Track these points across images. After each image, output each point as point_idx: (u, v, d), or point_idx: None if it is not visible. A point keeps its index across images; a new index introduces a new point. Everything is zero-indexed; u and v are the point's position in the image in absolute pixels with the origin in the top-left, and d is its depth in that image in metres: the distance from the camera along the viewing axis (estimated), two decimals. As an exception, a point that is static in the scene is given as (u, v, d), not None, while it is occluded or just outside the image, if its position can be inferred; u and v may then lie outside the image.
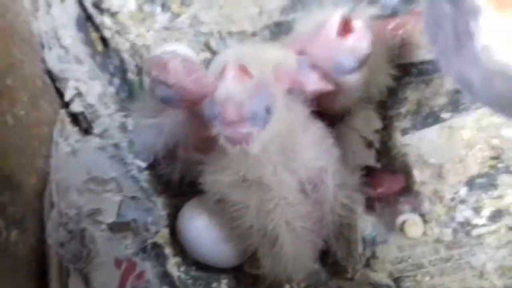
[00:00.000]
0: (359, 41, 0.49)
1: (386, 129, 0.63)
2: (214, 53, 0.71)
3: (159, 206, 0.60)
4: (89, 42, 0.62)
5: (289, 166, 0.51)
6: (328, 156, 0.54)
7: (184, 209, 0.60)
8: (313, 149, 0.52)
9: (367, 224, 0.61)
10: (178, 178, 0.60)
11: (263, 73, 0.49)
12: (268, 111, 0.46)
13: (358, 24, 0.49)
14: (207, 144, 0.54)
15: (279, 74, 0.52)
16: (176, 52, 0.53)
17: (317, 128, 0.54)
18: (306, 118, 0.53)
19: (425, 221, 0.61)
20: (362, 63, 0.51)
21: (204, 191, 0.55)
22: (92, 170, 0.47)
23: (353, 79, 0.55)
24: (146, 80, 0.66)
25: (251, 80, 0.46)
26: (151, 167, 0.62)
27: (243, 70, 0.46)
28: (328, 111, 0.58)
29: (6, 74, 0.42)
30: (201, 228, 0.58)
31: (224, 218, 0.55)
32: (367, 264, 0.60)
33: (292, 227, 0.52)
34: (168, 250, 0.59)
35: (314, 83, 0.52)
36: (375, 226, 0.61)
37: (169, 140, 0.56)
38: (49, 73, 0.49)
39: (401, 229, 0.61)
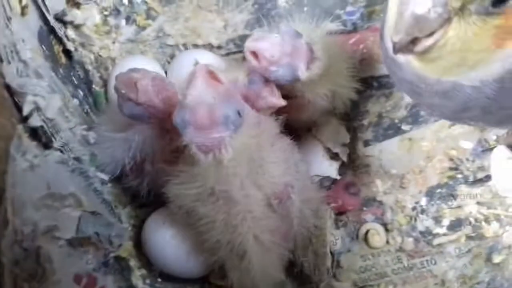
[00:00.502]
0: None
1: (350, 141, 0.64)
2: (179, 65, 0.71)
3: (123, 219, 0.59)
4: (51, 55, 0.61)
5: (256, 180, 0.51)
6: (294, 172, 0.54)
7: (149, 220, 0.59)
8: (279, 165, 0.52)
9: (336, 239, 0.61)
10: (145, 191, 0.59)
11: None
12: (239, 114, 0.45)
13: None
14: (174, 157, 0.53)
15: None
16: (145, 69, 0.53)
17: (285, 144, 0.54)
18: (273, 134, 0.53)
19: (387, 230, 0.62)
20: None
21: (169, 202, 0.55)
22: (52, 184, 0.46)
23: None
24: (112, 93, 0.65)
25: (221, 85, 0.46)
26: (117, 179, 0.61)
27: (213, 75, 0.46)
28: (295, 123, 0.59)
29: (-40, 89, 0.41)
30: (166, 239, 0.56)
31: (191, 230, 0.54)
32: (333, 274, 0.60)
33: (260, 240, 0.51)
34: (132, 263, 0.58)
35: (264, 99, 0.51)
36: (344, 239, 0.61)
37: (137, 153, 0.56)
38: (8, 87, 0.48)
39: (365, 238, 0.62)
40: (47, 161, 0.48)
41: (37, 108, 0.47)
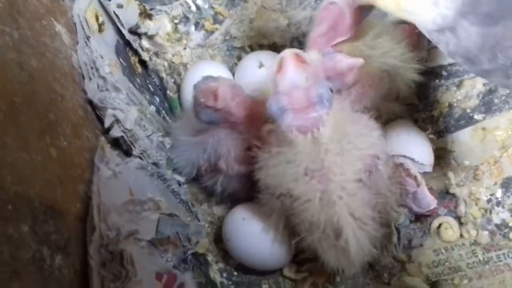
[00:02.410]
0: None
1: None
2: (247, 66, 0.72)
3: (200, 216, 0.62)
4: (128, 67, 0.64)
5: (347, 156, 0.50)
6: (379, 144, 0.53)
7: (229, 217, 0.60)
8: (366, 138, 0.52)
9: (399, 214, 0.60)
10: (220, 190, 0.62)
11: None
12: (331, 90, 0.47)
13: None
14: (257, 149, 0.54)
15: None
16: (221, 77, 0.56)
17: (365, 120, 0.54)
18: (353, 112, 0.53)
19: (461, 224, 0.59)
20: None
21: (255, 197, 0.55)
22: (133, 189, 0.50)
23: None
24: (185, 98, 0.68)
25: (309, 66, 0.47)
26: (193, 180, 0.64)
27: (300, 58, 0.47)
28: None
29: (48, 110, 0.44)
30: (249, 233, 0.57)
31: (278, 219, 0.54)
32: (403, 269, 0.59)
33: (355, 216, 0.51)
34: (210, 258, 0.60)
35: (342, 61, 0.52)
36: (407, 217, 0.60)
37: (212, 156, 0.58)
38: (90, 102, 0.52)
39: (437, 232, 0.60)
40: (128, 167, 0.51)
41: (117, 120, 0.51)
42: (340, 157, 0.49)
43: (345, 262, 0.53)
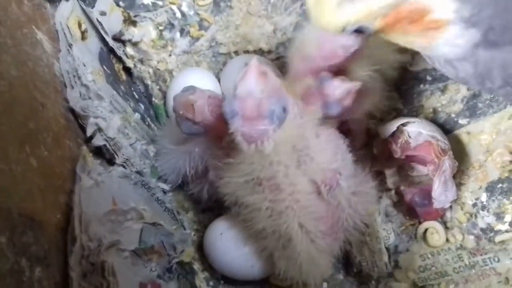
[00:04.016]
0: None
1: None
2: (232, 72, 0.72)
3: (186, 224, 0.61)
4: (112, 74, 0.64)
5: (302, 168, 0.52)
6: (341, 160, 0.54)
7: (211, 226, 0.61)
8: (327, 153, 0.53)
9: (389, 233, 0.60)
10: (206, 197, 0.61)
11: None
12: (284, 110, 0.48)
13: None
14: (223, 154, 0.54)
15: (307, 95, 0.54)
16: (200, 89, 0.56)
17: (330, 134, 0.55)
18: (317, 125, 0.54)
19: (446, 228, 0.59)
20: None
21: (228, 208, 0.57)
22: (116, 198, 0.49)
23: None
24: (170, 105, 0.68)
25: (270, 81, 0.48)
26: (179, 187, 0.64)
27: (264, 72, 0.48)
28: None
29: (29, 119, 0.44)
30: (228, 244, 0.58)
31: (249, 230, 0.55)
32: (390, 274, 0.59)
33: (305, 229, 0.52)
34: (196, 266, 0.60)
35: (339, 87, 0.53)
36: (397, 235, 0.60)
37: (198, 163, 0.58)
38: (72, 111, 0.51)
39: (423, 237, 0.60)
40: (111, 176, 0.50)
41: (99, 129, 0.50)
42: (293, 169, 0.50)
43: (297, 273, 0.54)
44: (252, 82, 0.46)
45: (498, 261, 0.57)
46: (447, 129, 0.62)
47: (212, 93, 0.56)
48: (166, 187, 0.59)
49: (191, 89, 0.54)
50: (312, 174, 0.52)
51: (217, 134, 0.55)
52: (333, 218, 0.55)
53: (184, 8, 0.71)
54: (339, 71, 0.55)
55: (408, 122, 0.59)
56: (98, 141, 0.51)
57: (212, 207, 0.65)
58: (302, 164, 0.52)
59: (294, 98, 0.52)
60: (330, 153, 0.53)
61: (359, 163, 0.58)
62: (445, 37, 0.40)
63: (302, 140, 0.52)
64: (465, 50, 0.41)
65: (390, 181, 0.62)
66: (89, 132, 0.50)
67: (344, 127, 0.60)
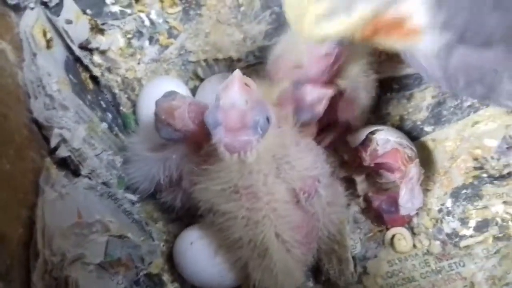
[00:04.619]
0: None
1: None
2: (201, 80, 0.72)
3: (155, 235, 0.61)
4: (79, 83, 0.63)
5: (282, 176, 0.52)
6: (320, 168, 0.54)
7: (181, 236, 0.60)
8: (306, 160, 0.53)
9: (356, 242, 0.61)
10: (179, 205, 0.61)
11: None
12: (268, 120, 0.48)
13: None
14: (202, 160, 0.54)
15: (282, 99, 0.54)
16: (183, 95, 0.55)
17: (309, 143, 0.55)
18: (296, 134, 0.54)
19: (413, 234, 0.61)
20: None
21: (200, 217, 0.57)
22: (82, 210, 0.48)
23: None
24: (142, 114, 0.67)
25: (253, 92, 0.48)
26: (149, 196, 0.63)
27: (246, 83, 0.48)
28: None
29: (-11, 131, 0.43)
30: (198, 253, 0.58)
31: (221, 240, 0.55)
32: (359, 281, 0.60)
33: (282, 238, 0.52)
34: (165, 277, 0.60)
35: (312, 92, 0.53)
36: (364, 244, 0.61)
37: (174, 171, 0.58)
38: (36, 121, 0.50)
39: (391, 243, 0.61)
40: (77, 188, 0.50)
41: (64, 140, 0.49)
42: (272, 177, 0.50)
43: (273, 284, 0.54)
44: (236, 93, 0.47)
45: (464, 265, 0.58)
46: (413, 136, 0.63)
47: (193, 100, 0.56)
48: (134, 197, 0.59)
49: (172, 94, 0.54)
50: (291, 181, 0.52)
51: (196, 141, 0.54)
52: (308, 227, 0.55)
53: (153, 16, 0.71)
54: (331, 80, 0.55)
55: (376, 130, 0.60)
56: (62, 152, 0.50)
57: (182, 217, 0.64)
58: (281, 172, 0.52)
59: (272, 106, 0.53)
60: (310, 160, 0.53)
61: (332, 172, 0.59)
62: (422, 42, 0.41)
63: (282, 149, 0.52)
64: (439, 53, 0.42)
65: (360, 188, 0.63)
66: (53, 143, 0.49)
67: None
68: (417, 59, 0.45)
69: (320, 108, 0.54)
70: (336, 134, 0.63)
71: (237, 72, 0.48)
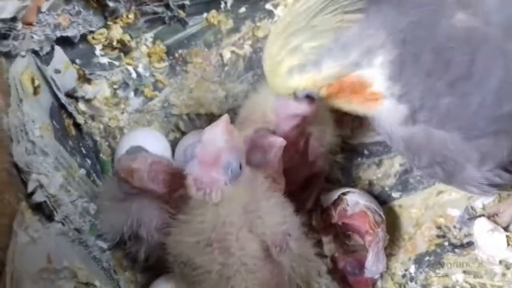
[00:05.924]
0: None
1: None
2: (182, 133, 0.75)
3: (122, 284, 0.61)
4: (61, 129, 0.65)
5: (254, 231, 0.53)
6: (290, 222, 0.56)
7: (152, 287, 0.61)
8: (277, 214, 0.54)
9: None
10: (143, 257, 0.62)
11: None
12: (241, 167, 0.50)
13: None
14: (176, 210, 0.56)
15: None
16: (145, 155, 0.58)
17: (279, 198, 0.57)
18: (267, 190, 0.56)
19: (378, 298, 0.62)
20: None
21: (169, 268, 0.58)
22: (52, 255, 0.49)
23: None
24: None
25: (234, 138, 0.51)
26: (119, 245, 0.64)
27: (231, 130, 0.51)
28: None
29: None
30: None
31: (186, 283, 0.55)
32: None
33: None
34: (131, 330, 0.60)
35: (265, 137, 0.56)
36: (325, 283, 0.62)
37: (134, 222, 0.59)
38: (16, 165, 0.52)
39: (356, 306, 0.62)
40: (49, 233, 0.51)
41: (41, 185, 0.51)
42: (244, 232, 0.52)
43: None
44: (218, 132, 0.49)
45: (425, 331, 0.60)
46: (381, 200, 0.66)
47: (157, 157, 0.58)
48: (104, 245, 0.60)
49: (136, 151, 0.56)
50: (263, 236, 0.54)
51: (155, 197, 0.56)
52: (277, 280, 0.56)
53: (140, 69, 0.74)
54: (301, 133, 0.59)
55: (348, 192, 0.62)
56: (38, 197, 0.51)
57: (152, 267, 0.65)
58: (254, 226, 0.53)
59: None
60: (280, 214, 0.55)
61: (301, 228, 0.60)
62: (381, 110, 0.44)
63: (253, 202, 0.53)
64: (396, 125, 0.45)
65: (327, 248, 0.65)
66: (30, 188, 0.51)
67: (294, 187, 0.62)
68: (383, 126, 0.48)
69: (272, 155, 0.56)
70: (318, 191, 0.66)
71: (226, 116, 0.50)
